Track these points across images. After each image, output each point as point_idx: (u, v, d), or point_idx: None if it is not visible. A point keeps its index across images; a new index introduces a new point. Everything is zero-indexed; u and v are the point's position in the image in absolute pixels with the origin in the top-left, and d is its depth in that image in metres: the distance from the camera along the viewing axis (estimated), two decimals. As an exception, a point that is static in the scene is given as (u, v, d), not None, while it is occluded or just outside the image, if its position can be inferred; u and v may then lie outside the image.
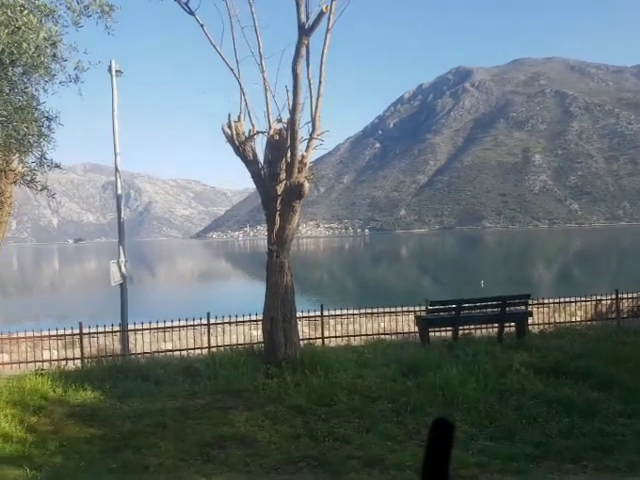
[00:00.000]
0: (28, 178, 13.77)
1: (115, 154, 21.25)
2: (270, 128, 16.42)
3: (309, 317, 20.98)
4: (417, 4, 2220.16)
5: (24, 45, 8.63)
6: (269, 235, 16.50)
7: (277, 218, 16.26)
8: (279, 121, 16.49)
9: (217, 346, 19.15)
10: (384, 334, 21.12)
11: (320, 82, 15.57)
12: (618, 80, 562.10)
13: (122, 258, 20.82)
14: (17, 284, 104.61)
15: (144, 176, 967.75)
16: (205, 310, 20.23)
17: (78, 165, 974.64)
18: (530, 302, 20.40)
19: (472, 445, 9.79)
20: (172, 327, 19.84)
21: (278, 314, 15.90)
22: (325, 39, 15.26)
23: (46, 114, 12.18)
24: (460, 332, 19.16)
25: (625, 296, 23.23)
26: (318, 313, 21.12)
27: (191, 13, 15.47)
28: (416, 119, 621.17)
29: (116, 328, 19.60)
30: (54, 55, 10.03)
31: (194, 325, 20.00)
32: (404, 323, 21.40)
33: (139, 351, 19.10)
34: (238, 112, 16.82)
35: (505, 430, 10.51)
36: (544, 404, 11.71)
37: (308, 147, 16.13)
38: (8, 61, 9.16)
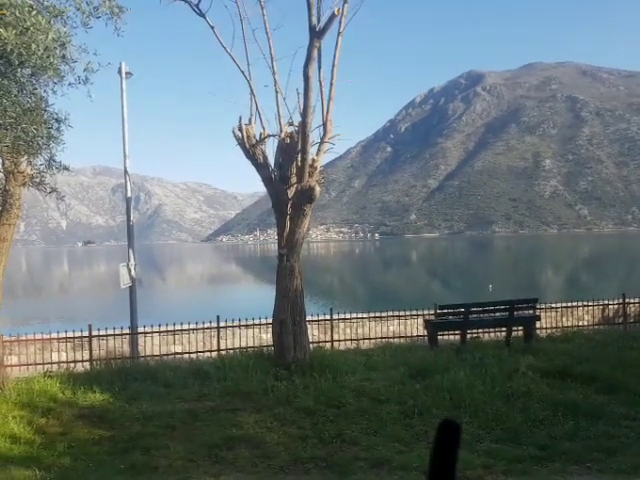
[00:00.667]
0: (37, 180, 13.75)
1: (125, 157, 21.25)
2: (281, 131, 16.34)
3: (319, 320, 20.95)
4: (430, 8, 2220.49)
5: (33, 46, 8.62)
6: (279, 239, 16.47)
7: (287, 222, 16.23)
8: (290, 124, 16.43)
9: (227, 349, 19.17)
10: (393, 337, 21.10)
11: (331, 85, 15.48)
12: (629, 85, 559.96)
13: (132, 261, 20.83)
14: (26, 286, 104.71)
15: (154, 179, 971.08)
16: (215, 313, 20.25)
17: (88, 167, 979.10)
18: (538, 306, 20.35)
19: (478, 447, 9.85)
20: (182, 330, 19.82)
21: (288, 317, 15.88)
22: (337, 42, 15.17)
23: (55, 116, 12.13)
24: (468, 336, 19.15)
25: (632, 301, 23.22)
26: (328, 317, 21.12)
27: (202, 15, 15.43)
28: (427, 123, 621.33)
29: (125, 331, 19.64)
30: (63, 56, 9.99)
31: (204, 328, 19.98)
32: (413, 327, 21.38)
33: (148, 354, 19.10)
34: (249, 115, 16.79)
35: (511, 432, 10.55)
36: (550, 407, 11.73)
37: (319, 151, 16.07)
38: (17, 62, 9.17)
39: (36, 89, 11.44)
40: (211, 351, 19.42)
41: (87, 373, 16.23)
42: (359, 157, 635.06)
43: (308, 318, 17.73)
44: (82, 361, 18.59)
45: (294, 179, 16.14)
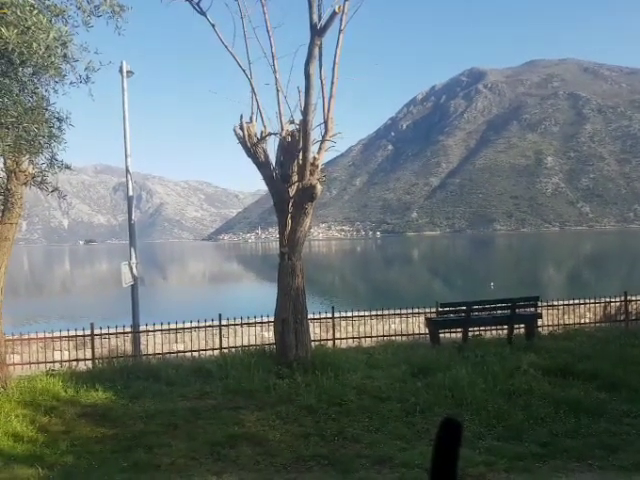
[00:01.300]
0: (39, 179, 13.75)
1: (126, 155, 21.23)
2: (282, 129, 16.35)
3: (320, 319, 20.96)
4: (431, 5, 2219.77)
5: (34, 45, 8.62)
6: (281, 237, 16.46)
7: (289, 220, 16.24)
8: (291, 122, 16.43)
9: (229, 347, 19.16)
10: (395, 335, 21.10)
11: (333, 83, 15.49)
12: (632, 82, 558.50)
13: (133, 260, 20.84)
14: (28, 285, 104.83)
15: (155, 177, 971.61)
16: (217, 312, 20.25)
17: (89, 166, 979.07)
18: (539, 304, 20.37)
19: (480, 444, 9.88)
20: (184, 328, 19.84)
21: (289, 316, 15.90)
22: (338, 40, 15.17)
23: (56, 115, 12.13)
24: (470, 334, 19.17)
25: (634, 298, 23.22)
26: (329, 315, 21.13)
27: (202, 13, 15.40)
28: (429, 121, 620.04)
29: (127, 329, 19.65)
30: (64, 55, 9.98)
31: (206, 326, 20.00)
32: (415, 325, 21.39)
33: (150, 352, 19.10)
34: (250, 113, 16.78)
35: (513, 430, 10.58)
36: (551, 404, 11.76)
37: (320, 149, 16.05)
38: (18, 61, 9.17)
39: (37, 88, 11.44)
40: (213, 349, 19.43)
41: (89, 372, 16.26)
42: (360, 155, 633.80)
43: (310, 316, 17.73)
44: (84, 360, 18.61)
45: (295, 177, 16.16)
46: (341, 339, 20.73)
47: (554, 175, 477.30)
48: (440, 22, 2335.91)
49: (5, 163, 13.47)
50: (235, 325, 20.03)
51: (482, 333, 20.22)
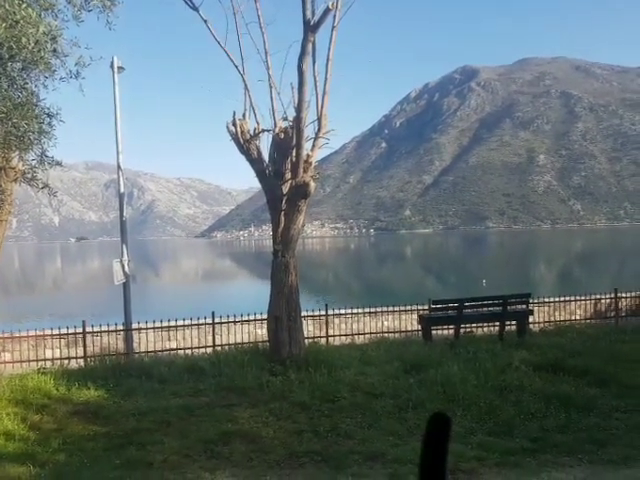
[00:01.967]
0: (29, 176, 13.63)
1: (117, 152, 21.12)
2: (275, 126, 16.29)
3: (314, 316, 20.97)
4: (424, 3, 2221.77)
5: (23, 40, 8.58)
6: (274, 235, 16.43)
7: (282, 217, 16.19)
8: (284, 119, 16.35)
9: (222, 345, 19.12)
10: (388, 332, 21.15)
11: (326, 80, 15.42)
12: (623, 80, 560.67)
13: (125, 257, 20.77)
14: (19, 283, 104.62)
15: (147, 174, 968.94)
16: (210, 309, 20.23)
17: (80, 163, 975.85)
18: (531, 301, 20.40)
19: (471, 439, 9.92)
20: (176, 326, 19.83)
21: (283, 313, 15.90)
22: (331, 36, 15.13)
23: (46, 111, 12.05)
24: (462, 330, 19.24)
25: (624, 295, 23.35)
26: (323, 312, 21.13)
27: (195, 9, 15.32)
28: (422, 118, 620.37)
29: (119, 327, 19.59)
30: (54, 50, 9.94)
31: (199, 324, 19.96)
32: (407, 322, 21.45)
33: (143, 350, 19.07)
34: (243, 110, 16.72)
35: (504, 425, 10.65)
36: (542, 400, 11.82)
37: (314, 146, 16.04)
38: (7, 56, 9.14)
39: (27, 83, 11.38)
40: (206, 347, 19.41)
41: (81, 369, 16.25)
42: (354, 152, 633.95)
43: (303, 313, 17.70)
44: (76, 358, 18.60)
45: (289, 174, 16.11)
46: (334, 336, 20.73)
47: (546, 173, 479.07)
48: (433, 19, 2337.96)
49: (-6, 159, 13.40)
50: (228, 323, 20.00)
51: (474, 330, 20.31)
